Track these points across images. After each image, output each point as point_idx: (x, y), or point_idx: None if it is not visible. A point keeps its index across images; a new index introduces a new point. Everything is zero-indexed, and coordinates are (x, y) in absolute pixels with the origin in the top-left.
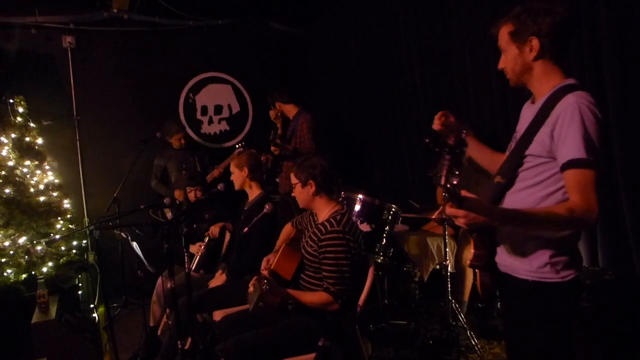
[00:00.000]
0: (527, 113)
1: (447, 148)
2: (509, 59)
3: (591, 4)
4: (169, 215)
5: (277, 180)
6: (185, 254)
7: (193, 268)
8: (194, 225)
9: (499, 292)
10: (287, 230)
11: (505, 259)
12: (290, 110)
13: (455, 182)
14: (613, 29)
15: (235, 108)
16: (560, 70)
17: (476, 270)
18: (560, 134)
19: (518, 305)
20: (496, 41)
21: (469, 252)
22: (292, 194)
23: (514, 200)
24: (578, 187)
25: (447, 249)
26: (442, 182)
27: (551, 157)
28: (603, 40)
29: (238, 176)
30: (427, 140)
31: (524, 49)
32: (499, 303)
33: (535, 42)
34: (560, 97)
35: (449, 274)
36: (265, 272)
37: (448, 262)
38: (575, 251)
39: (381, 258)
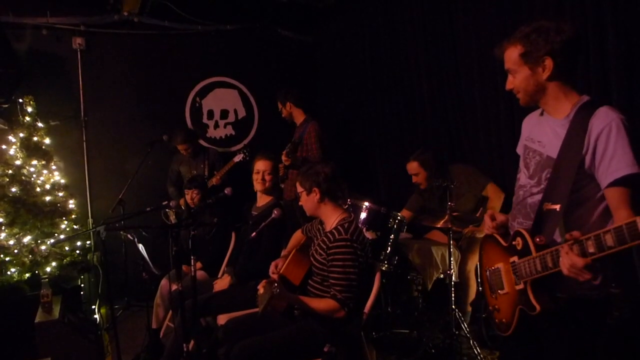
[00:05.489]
0: (546, 126)
1: None
2: (520, 80)
3: (598, 19)
4: (172, 218)
5: (282, 186)
6: (192, 257)
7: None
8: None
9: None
10: (297, 236)
11: None
12: (299, 115)
13: None
14: (621, 43)
15: (241, 113)
16: (573, 87)
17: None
18: (606, 149)
19: (548, 322)
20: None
21: (473, 262)
22: (300, 203)
23: (573, 224)
24: (632, 202)
25: (452, 259)
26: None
27: (592, 173)
28: (611, 56)
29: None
30: None
31: (536, 69)
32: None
33: (549, 62)
34: (591, 112)
35: (452, 283)
36: (274, 277)
37: (452, 271)
38: (610, 268)
39: (386, 266)
